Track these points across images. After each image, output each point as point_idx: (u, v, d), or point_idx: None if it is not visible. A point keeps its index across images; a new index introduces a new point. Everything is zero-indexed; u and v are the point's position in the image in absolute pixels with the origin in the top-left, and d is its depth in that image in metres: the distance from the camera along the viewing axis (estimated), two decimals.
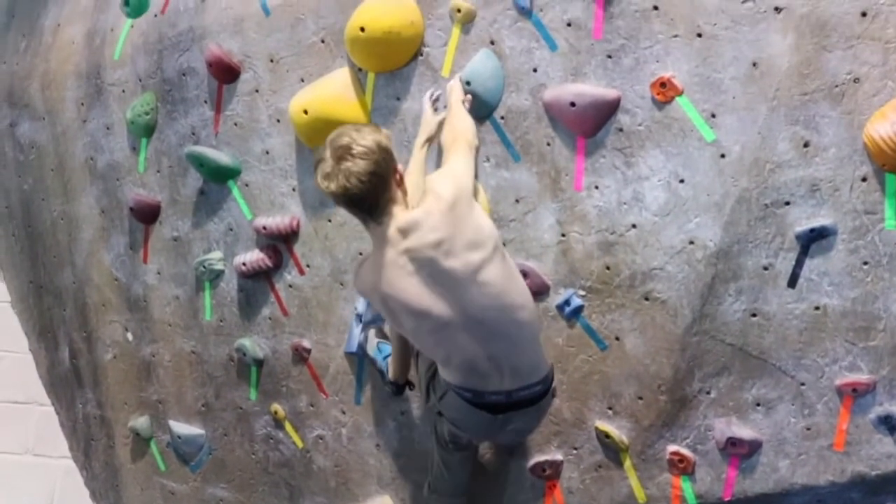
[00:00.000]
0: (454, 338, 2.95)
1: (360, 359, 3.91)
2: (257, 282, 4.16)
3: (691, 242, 3.14)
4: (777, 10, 2.94)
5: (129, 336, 4.77)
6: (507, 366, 2.99)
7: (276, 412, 4.23)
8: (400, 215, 2.91)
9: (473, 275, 2.87)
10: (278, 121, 3.97)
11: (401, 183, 2.96)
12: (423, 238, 2.87)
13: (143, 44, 4.43)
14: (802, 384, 3.09)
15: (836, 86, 2.90)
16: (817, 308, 3.03)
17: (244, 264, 4.10)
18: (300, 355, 4.09)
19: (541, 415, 3.20)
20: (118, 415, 4.93)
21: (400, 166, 2.96)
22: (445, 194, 2.90)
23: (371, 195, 2.85)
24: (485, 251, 2.88)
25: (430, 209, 2.89)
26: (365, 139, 2.85)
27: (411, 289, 2.91)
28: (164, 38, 4.33)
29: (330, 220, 3.88)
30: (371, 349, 3.78)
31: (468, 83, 3.38)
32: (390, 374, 3.65)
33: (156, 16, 4.41)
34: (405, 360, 3.58)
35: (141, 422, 4.78)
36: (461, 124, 3.23)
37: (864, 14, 2.85)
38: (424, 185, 3.01)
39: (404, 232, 2.89)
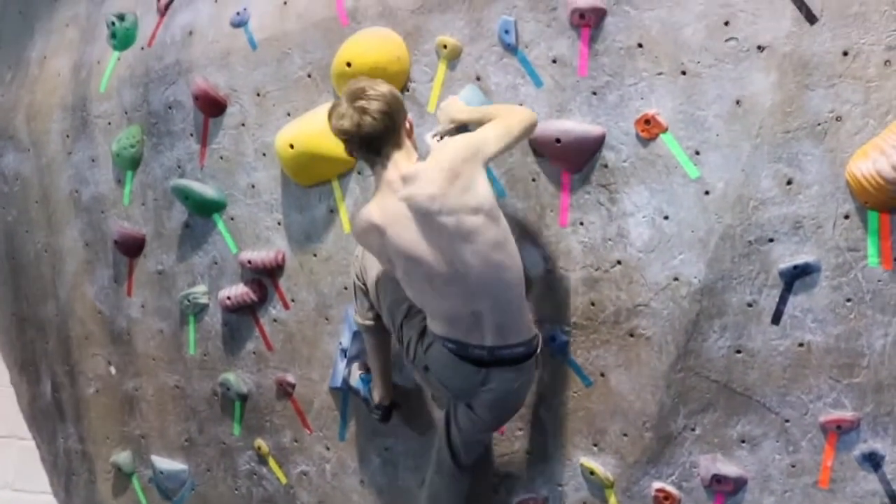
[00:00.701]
0: (441, 289, 3.02)
1: (344, 394, 3.89)
2: (242, 316, 4.15)
3: (676, 279, 3.15)
4: (760, 48, 2.96)
5: (112, 370, 4.74)
6: (490, 323, 3.04)
7: (259, 447, 4.20)
8: (404, 163, 3.05)
9: (465, 234, 2.95)
10: (264, 154, 3.97)
11: (410, 134, 3.13)
12: (420, 189, 2.97)
13: (130, 76, 4.44)
14: (787, 421, 3.08)
15: (819, 124, 2.92)
16: (801, 345, 3.03)
17: (229, 298, 4.09)
18: (284, 390, 4.07)
19: (522, 383, 3.17)
20: (100, 449, 4.89)
21: (411, 117, 3.14)
22: (449, 152, 3.01)
23: (382, 134, 3.01)
24: (478, 216, 2.95)
25: (430, 163, 3.02)
26: (380, 86, 3.04)
27: (407, 235, 2.99)
28: (151, 71, 4.34)
29: (315, 255, 3.87)
30: (354, 381, 3.77)
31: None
32: (375, 397, 3.65)
33: (142, 49, 4.42)
34: (387, 377, 3.62)
35: (123, 457, 4.74)
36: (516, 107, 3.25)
37: (845, 53, 2.87)
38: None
39: (406, 179, 3.01)
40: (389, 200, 3.03)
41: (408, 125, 3.12)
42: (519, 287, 3.09)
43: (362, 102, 2.98)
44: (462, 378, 3.12)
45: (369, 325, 3.49)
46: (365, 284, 3.42)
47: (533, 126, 3.14)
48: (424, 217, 2.97)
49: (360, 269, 3.45)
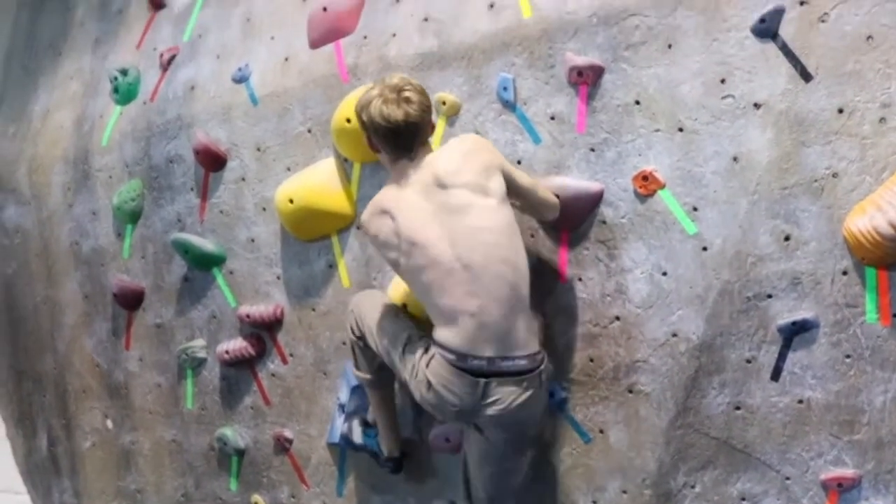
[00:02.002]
0: (445, 280, 3.02)
1: (342, 450, 3.87)
2: (240, 370, 4.14)
3: (674, 335, 3.14)
4: (756, 106, 2.98)
5: (109, 423, 4.72)
6: (491, 329, 3.01)
7: (256, 503, 4.16)
8: (427, 155, 3.16)
9: (473, 214, 3.01)
10: (264, 209, 3.99)
11: (431, 132, 3.24)
12: (437, 166, 3.09)
13: (132, 131, 4.47)
14: (787, 478, 3.06)
15: (816, 180, 2.93)
16: (801, 401, 3.02)
17: (227, 352, 4.08)
18: (282, 445, 4.05)
19: (527, 399, 3.07)
20: None
21: (433, 122, 3.25)
22: (468, 140, 3.18)
23: (422, 128, 3.14)
24: (488, 199, 3.02)
25: (449, 147, 3.17)
26: (415, 82, 3.18)
27: (416, 219, 3.06)
28: (153, 125, 4.38)
29: (314, 310, 3.87)
30: (358, 437, 3.74)
31: None
32: (385, 450, 3.63)
33: (145, 103, 4.46)
34: (394, 429, 3.60)
35: None
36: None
37: (840, 111, 2.89)
38: None
39: (427, 166, 3.11)
40: (405, 190, 3.11)
41: (432, 124, 3.22)
42: (523, 291, 3.06)
43: (408, 94, 3.08)
44: (461, 390, 3.06)
45: (371, 378, 3.48)
46: (362, 335, 3.41)
47: (555, 208, 3.20)
48: (437, 190, 3.04)
49: (354, 320, 3.44)
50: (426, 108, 3.13)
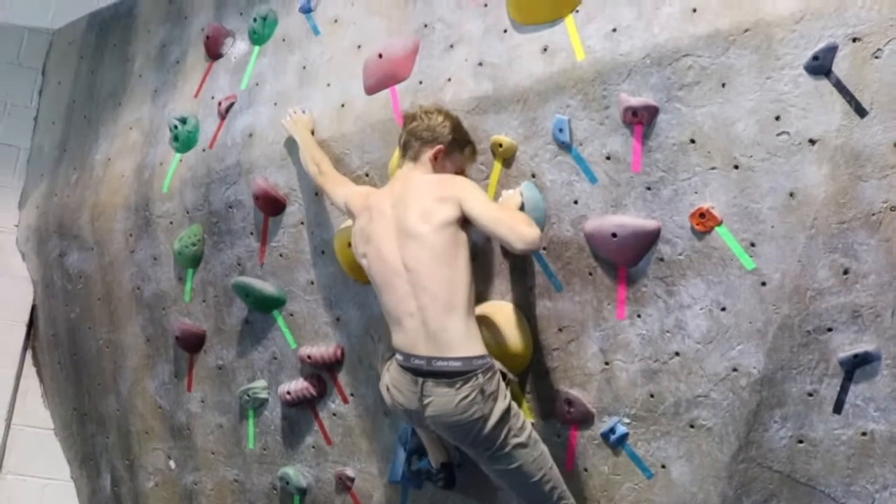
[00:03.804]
0: (391, 281, 3.28)
1: (404, 488, 3.90)
2: (301, 410, 4.19)
3: (735, 370, 3.16)
4: (811, 142, 3.01)
5: (172, 464, 4.79)
6: (428, 325, 3.18)
7: None
8: (416, 171, 3.45)
9: (418, 239, 3.23)
10: (323, 252, 4.06)
11: (435, 158, 3.45)
12: (412, 186, 3.36)
13: (192, 177, 4.56)
14: None
15: (873, 214, 2.95)
16: (864, 434, 3.02)
17: (288, 393, 4.14)
18: (344, 484, 4.09)
19: (461, 403, 3.12)
20: None
21: (440, 147, 3.44)
22: (449, 179, 3.39)
23: (426, 140, 3.43)
24: (433, 225, 3.22)
25: (431, 178, 3.41)
26: (440, 112, 3.50)
27: (381, 227, 3.35)
28: (212, 171, 4.47)
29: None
30: (415, 465, 3.78)
31: None
32: (432, 461, 3.68)
33: (204, 150, 4.56)
34: (435, 439, 3.65)
35: None
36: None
37: None
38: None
39: (411, 182, 3.39)
40: (387, 195, 3.41)
41: (435, 151, 3.42)
42: (461, 296, 3.20)
43: (434, 112, 3.48)
44: (406, 389, 3.24)
45: None
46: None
47: (517, 240, 3.16)
48: (401, 207, 3.30)
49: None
50: (435, 128, 3.43)
